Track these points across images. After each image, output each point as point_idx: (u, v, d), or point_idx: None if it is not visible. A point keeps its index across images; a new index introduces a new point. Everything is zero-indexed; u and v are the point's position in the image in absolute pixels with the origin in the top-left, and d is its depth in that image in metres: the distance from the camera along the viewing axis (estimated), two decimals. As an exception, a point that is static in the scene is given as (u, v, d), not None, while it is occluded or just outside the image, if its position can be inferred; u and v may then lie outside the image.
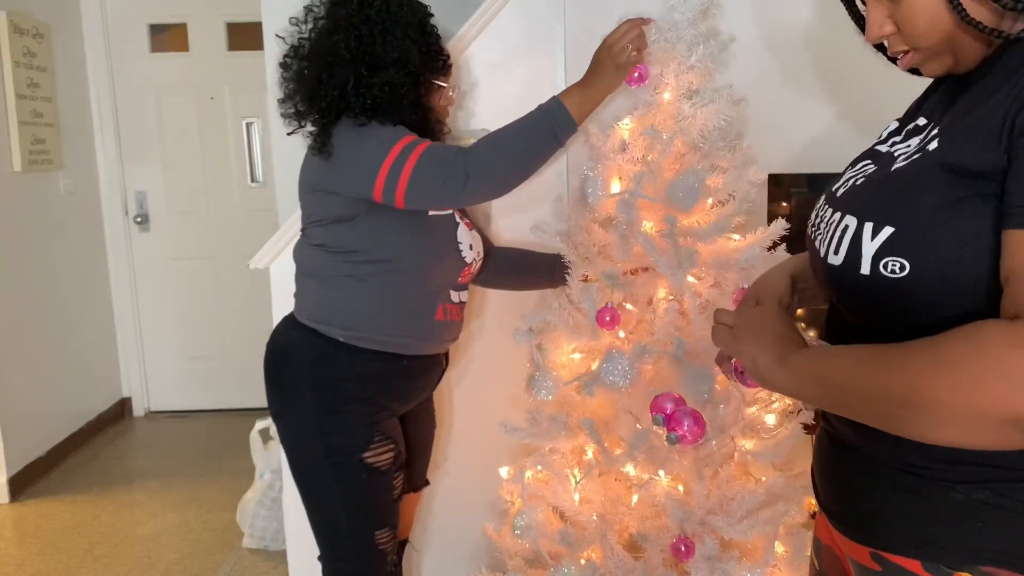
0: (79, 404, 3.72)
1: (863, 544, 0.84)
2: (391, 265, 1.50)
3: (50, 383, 3.48)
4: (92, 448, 3.67)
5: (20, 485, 3.17)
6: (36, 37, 3.38)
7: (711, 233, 1.54)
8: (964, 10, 0.76)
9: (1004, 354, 0.63)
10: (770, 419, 1.59)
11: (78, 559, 2.63)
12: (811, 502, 1.65)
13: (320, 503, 1.55)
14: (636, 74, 1.56)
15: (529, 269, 1.81)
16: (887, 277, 0.75)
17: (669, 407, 1.37)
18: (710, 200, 1.57)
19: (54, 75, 3.54)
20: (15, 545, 2.76)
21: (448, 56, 1.59)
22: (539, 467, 1.69)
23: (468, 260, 1.61)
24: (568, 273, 1.64)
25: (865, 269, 0.77)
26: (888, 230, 0.76)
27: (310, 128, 1.51)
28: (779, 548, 1.53)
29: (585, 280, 1.62)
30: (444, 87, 1.59)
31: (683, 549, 1.47)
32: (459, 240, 1.59)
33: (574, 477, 1.63)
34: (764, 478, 1.56)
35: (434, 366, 1.66)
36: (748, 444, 1.55)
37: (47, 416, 3.44)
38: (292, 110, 1.52)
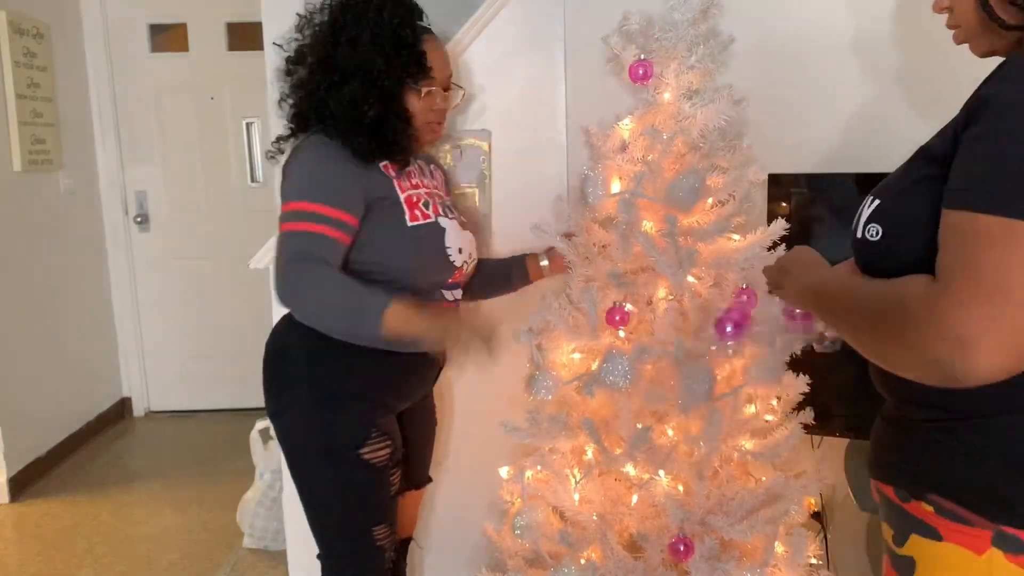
0: (79, 404, 3.72)
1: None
2: (378, 275, 1.49)
3: (50, 383, 3.48)
4: (92, 448, 3.67)
5: (20, 485, 3.18)
6: (36, 37, 3.38)
7: (711, 233, 1.55)
8: None
9: (914, 308, 0.75)
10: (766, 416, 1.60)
11: (78, 559, 2.63)
12: (811, 502, 1.66)
13: (318, 500, 1.55)
14: (641, 71, 1.56)
15: (489, 279, 1.77)
16: (869, 241, 0.88)
17: (734, 316, 1.47)
18: (710, 200, 1.57)
19: (54, 75, 3.54)
20: (15, 545, 2.76)
21: (425, 56, 1.51)
22: (539, 467, 1.69)
23: (458, 264, 1.59)
24: (570, 268, 1.64)
25: (859, 233, 0.91)
26: (876, 202, 0.89)
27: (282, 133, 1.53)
28: (779, 548, 1.53)
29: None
30: (419, 90, 1.52)
31: (682, 549, 1.47)
32: (447, 245, 1.56)
33: (574, 477, 1.63)
34: (764, 478, 1.56)
35: (431, 363, 1.65)
36: (748, 444, 1.55)
37: (47, 416, 3.44)
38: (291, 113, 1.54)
